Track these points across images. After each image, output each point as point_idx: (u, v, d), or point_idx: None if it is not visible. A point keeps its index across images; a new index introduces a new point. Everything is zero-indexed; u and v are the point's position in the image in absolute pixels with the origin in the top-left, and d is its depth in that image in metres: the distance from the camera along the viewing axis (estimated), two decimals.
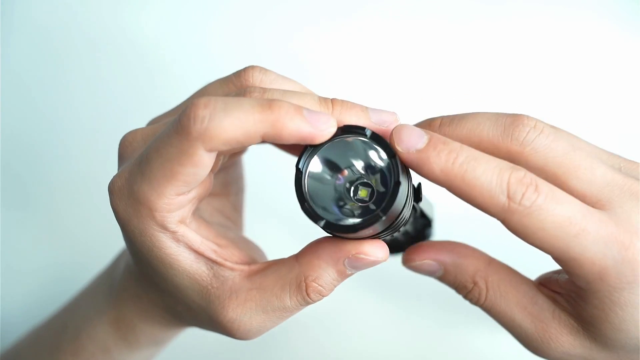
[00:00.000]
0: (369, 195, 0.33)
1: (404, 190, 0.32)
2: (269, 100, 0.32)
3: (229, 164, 0.41)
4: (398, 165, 0.32)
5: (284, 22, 0.70)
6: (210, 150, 0.31)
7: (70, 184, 0.71)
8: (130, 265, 0.42)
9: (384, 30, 0.69)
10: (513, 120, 0.36)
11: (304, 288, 0.34)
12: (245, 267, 0.36)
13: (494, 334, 0.67)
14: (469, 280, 0.39)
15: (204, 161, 0.32)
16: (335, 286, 0.35)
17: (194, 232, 0.35)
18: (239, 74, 0.35)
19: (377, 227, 0.32)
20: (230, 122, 0.31)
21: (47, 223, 0.72)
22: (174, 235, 0.34)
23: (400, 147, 0.34)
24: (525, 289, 0.39)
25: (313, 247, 0.34)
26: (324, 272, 0.34)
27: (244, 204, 0.45)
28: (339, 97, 0.35)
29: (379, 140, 0.33)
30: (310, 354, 0.69)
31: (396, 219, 0.33)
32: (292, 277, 0.34)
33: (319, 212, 0.33)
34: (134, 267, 0.40)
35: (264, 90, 0.34)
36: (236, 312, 0.35)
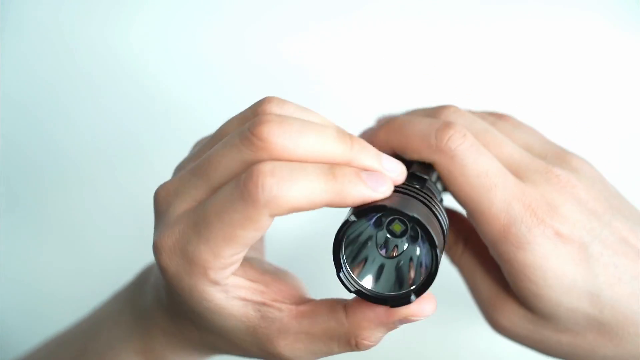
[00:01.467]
0: (401, 230, 0.35)
1: (438, 246, 0.33)
2: (331, 168, 0.33)
3: None
4: (431, 234, 0.33)
5: (278, 28, 0.70)
6: (273, 216, 0.32)
7: (69, 189, 0.71)
8: (162, 301, 0.41)
9: (383, 31, 0.69)
10: (439, 107, 0.42)
11: (353, 344, 0.35)
12: (293, 308, 0.36)
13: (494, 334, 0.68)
14: (452, 238, 0.43)
15: (266, 225, 0.32)
16: (382, 337, 0.36)
17: (241, 278, 0.36)
18: (254, 108, 0.35)
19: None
20: (297, 192, 0.32)
21: (47, 228, 0.72)
22: (224, 287, 0.35)
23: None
24: (492, 259, 0.41)
25: (363, 309, 0.35)
26: (374, 332, 0.34)
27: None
28: (351, 131, 0.37)
29: (398, 213, 0.33)
30: None
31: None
32: (342, 332, 0.35)
33: (382, 291, 0.34)
34: (171, 308, 0.40)
35: (282, 118, 0.34)
36: (285, 350, 0.36)
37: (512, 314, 0.40)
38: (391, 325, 0.34)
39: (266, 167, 0.32)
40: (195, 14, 0.70)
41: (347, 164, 0.34)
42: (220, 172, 0.35)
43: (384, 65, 0.69)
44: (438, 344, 0.69)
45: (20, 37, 0.71)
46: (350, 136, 0.35)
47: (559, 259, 0.37)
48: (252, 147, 0.33)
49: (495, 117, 0.44)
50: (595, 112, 0.66)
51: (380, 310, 0.34)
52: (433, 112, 0.42)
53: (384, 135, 0.40)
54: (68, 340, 0.51)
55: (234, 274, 0.35)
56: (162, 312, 0.42)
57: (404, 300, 0.34)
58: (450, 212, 0.43)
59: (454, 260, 0.43)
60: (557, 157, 0.41)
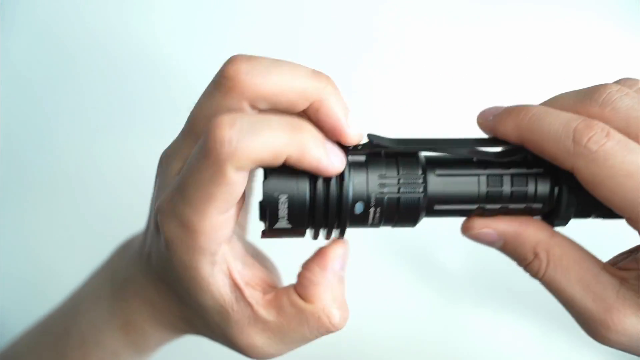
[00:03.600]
0: None
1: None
2: (296, 122, 0.32)
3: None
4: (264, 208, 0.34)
5: (289, 21, 0.70)
6: (239, 170, 0.32)
7: (71, 184, 0.71)
8: (146, 272, 0.41)
9: (385, 30, 0.69)
10: (595, 87, 0.36)
11: (326, 321, 0.35)
12: (266, 296, 0.37)
13: (493, 335, 0.68)
14: (530, 251, 0.37)
15: (236, 180, 0.32)
16: (344, 294, 0.36)
17: (230, 250, 0.36)
18: (221, 77, 0.34)
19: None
20: (259, 143, 0.31)
21: (47, 224, 0.72)
22: (212, 257, 0.35)
23: (480, 119, 0.37)
24: (589, 265, 0.37)
25: (310, 275, 0.36)
26: (325, 289, 0.35)
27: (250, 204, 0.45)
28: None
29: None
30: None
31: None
32: (309, 313, 0.35)
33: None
34: (156, 275, 0.40)
35: (250, 57, 0.33)
36: (254, 339, 0.36)
37: (632, 326, 0.35)
38: (336, 277, 0.35)
39: (224, 120, 0.31)
40: (207, 9, 0.70)
41: (318, 102, 0.33)
42: (202, 123, 0.34)
43: (387, 66, 0.69)
44: (437, 344, 0.69)
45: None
46: (326, 76, 0.34)
47: None
48: (222, 88, 0.33)
49: None
50: None
51: (319, 268, 0.35)
52: (587, 93, 0.36)
53: (512, 127, 0.35)
54: (50, 324, 0.50)
55: (226, 243, 0.35)
56: (145, 280, 0.42)
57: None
58: (522, 221, 0.38)
59: (538, 276, 0.38)
60: None
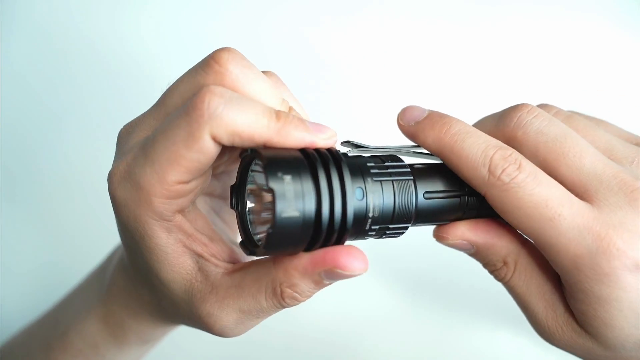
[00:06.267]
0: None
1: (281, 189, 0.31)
2: (277, 110, 0.33)
3: (231, 168, 0.42)
4: (265, 169, 0.32)
5: (284, 23, 0.70)
6: (215, 138, 0.32)
7: (70, 184, 0.71)
8: (123, 258, 0.41)
9: (384, 30, 0.69)
10: (509, 109, 0.38)
11: (279, 293, 0.34)
12: (229, 265, 0.36)
13: (493, 336, 0.68)
14: (500, 260, 0.39)
15: (208, 148, 0.32)
16: (312, 294, 0.34)
17: (189, 222, 0.35)
18: (212, 59, 0.34)
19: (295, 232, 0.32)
20: (242, 117, 0.31)
21: (47, 222, 0.72)
22: (167, 224, 0.34)
23: (402, 121, 0.38)
24: (548, 278, 0.39)
25: (290, 258, 0.34)
26: (299, 281, 0.33)
27: None
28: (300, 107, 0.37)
29: (256, 153, 0.33)
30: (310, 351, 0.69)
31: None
32: (268, 280, 0.34)
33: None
34: (127, 258, 0.40)
35: (244, 57, 0.34)
36: (214, 307, 0.35)
37: (572, 340, 0.38)
38: (316, 277, 0.33)
39: (216, 89, 0.32)
40: (201, 13, 0.70)
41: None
42: (176, 96, 0.35)
43: (386, 66, 0.69)
44: (436, 345, 0.69)
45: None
46: (277, 112, 0.34)
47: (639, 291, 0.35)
48: (208, 69, 0.34)
49: (565, 116, 0.40)
50: (595, 112, 0.66)
51: (305, 258, 0.33)
52: (503, 116, 0.39)
53: (433, 140, 0.37)
54: (44, 316, 0.52)
55: (181, 214, 0.35)
56: (122, 270, 0.42)
57: (252, 245, 0.35)
58: (496, 232, 0.39)
59: (503, 281, 0.40)
60: None
